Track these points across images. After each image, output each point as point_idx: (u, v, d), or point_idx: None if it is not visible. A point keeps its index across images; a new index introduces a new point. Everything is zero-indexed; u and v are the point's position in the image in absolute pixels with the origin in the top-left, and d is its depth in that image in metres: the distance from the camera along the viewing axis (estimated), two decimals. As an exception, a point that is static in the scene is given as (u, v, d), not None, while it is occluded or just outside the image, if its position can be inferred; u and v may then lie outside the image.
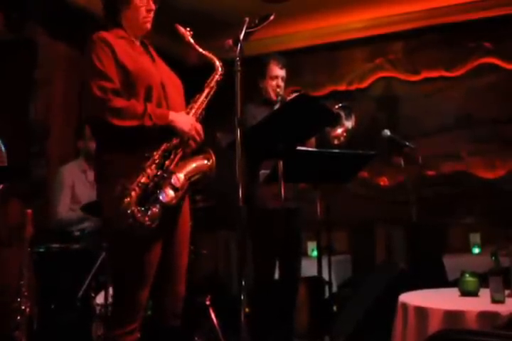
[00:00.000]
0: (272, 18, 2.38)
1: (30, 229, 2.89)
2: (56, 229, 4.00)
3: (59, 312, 3.44)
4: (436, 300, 2.72)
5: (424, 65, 5.68)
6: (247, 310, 2.26)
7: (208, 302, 3.80)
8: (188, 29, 2.46)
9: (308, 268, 3.97)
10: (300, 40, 5.91)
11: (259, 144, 2.75)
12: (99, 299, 3.41)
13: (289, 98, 3.32)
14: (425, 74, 5.67)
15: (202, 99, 2.40)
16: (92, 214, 3.70)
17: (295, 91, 3.55)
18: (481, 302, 2.59)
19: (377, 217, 5.47)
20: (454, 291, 2.84)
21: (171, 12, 2.64)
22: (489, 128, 5.36)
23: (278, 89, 3.54)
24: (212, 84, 2.44)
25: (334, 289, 4.55)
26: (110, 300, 3.31)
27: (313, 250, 5.03)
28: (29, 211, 2.85)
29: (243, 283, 2.24)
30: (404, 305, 2.71)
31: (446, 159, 5.50)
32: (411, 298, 2.77)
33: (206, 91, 2.42)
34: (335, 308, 4.18)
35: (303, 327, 4.24)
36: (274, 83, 3.55)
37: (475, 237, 4.89)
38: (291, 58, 5.75)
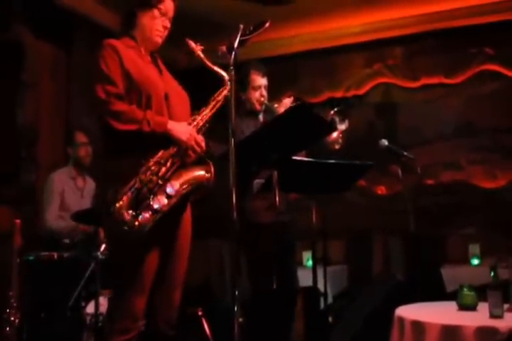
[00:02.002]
0: (267, 25, 2.33)
1: (18, 239, 2.83)
2: (46, 236, 3.96)
3: (49, 322, 3.39)
4: (434, 313, 2.65)
5: (424, 71, 5.63)
6: (240, 319, 2.21)
7: (200, 313, 3.75)
8: (199, 44, 2.46)
9: (303, 278, 3.89)
10: (297, 45, 5.85)
11: (253, 154, 2.69)
12: (90, 309, 3.36)
13: (280, 106, 3.26)
14: (424, 81, 5.63)
15: (206, 112, 2.41)
16: (83, 222, 3.66)
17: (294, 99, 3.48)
18: (479, 317, 2.52)
19: (375, 227, 5.41)
20: (452, 305, 2.76)
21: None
22: (490, 137, 5.33)
23: (262, 99, 3.41)
24: (220, 98, 2.44)
25: (330, 300, 4.49)
26: (100, 310, 3.29)
27: (308, 260, 4.96)
28: (17, 221, 2.79)
29: (236, 293, 2.19)
30: (401, 319, 2.64)
31: (445, 168, 5.46)
32: (408, 312, 2.70)
33: (212, 104, 2.43)
34: (330, 319, 4.12)
35: (299, 337, 4.18)
36: (257, 94, 3.41)
37: (474, 248, 4.82)
38: (287, 63, 5.77)
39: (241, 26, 2.33)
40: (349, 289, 5.06)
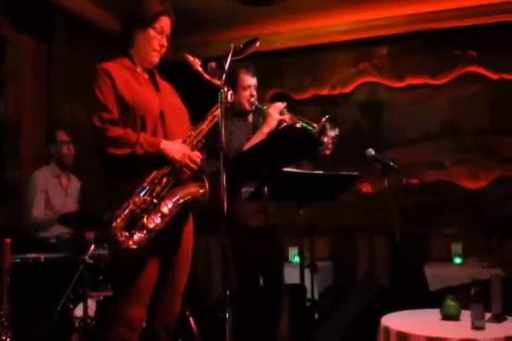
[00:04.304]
0: (257, 44, 2.32)
1: (9, 258, 2.81)
2: (32, 235, 3.96)
3: (36, 325, 3.39)
4: (418, 324, 2.70)
5: (409, 71, 5.66)
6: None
7: (187, 313, 3.79)
8: (197, 58, 2.45)
9: (289, 275, 3.92)
10: (283, 41, 5.80)
11: (244, 171, 2.71)
12: (78, 312, 3.38)
13: (270, 107, 3.25)
14: (410, 81, 5.66)
15: (202, 128, 2.45)
16: (69, 226, 3.66)
17: (276, 96, 3.48)
18: (462, 328, 2.58)
19: (359, 224, 5.46)
20: (436, 313, 2.82)
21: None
22: (473, 138, 5.40)
23: (252, 99, 3.38)
24: (217, 113, 2.45)
25: (315, 296, 4.55)
26: (89, 312, 3.31)
27: (294, 256, 5.01)
28: (7, 240, 2.77)
29: (227, 292, 2.25)
30: (387, 329, 2.69)
31: (429, 168, 5.52)
32: (393, 322, 2.74)
33: (208, 119, 2.46)
34: (316, 316, 4.18)
35: (284, 335, 4.23)
36: (247, 93, 3.38)
37: (457, 247, 4.91)
38: (273, 59, 5.74)
39: (232, 46, 2.32)
40: (334, 286, 5.13)
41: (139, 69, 2.51)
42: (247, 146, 3.18)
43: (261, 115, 3.36)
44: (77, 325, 3.37)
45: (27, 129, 4.68)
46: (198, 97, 2.68)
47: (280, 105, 3.25)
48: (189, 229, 2.55)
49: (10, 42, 4.55)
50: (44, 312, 3.40)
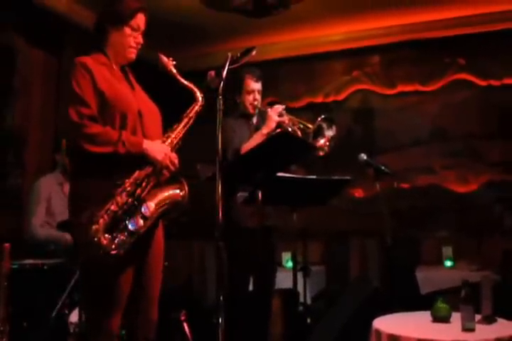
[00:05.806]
0: (253, 52, 2.36)
1: (7, 263, 2.82)
2: (30, 242, 3.98)
3: (32, 331, 3.40)
4: (409, 326, 2.73)
5: (401, 78, 5.76)
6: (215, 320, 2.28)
7: (182, 318, 3.79)
8: (171, 58, 2.47)
9: (282, 279, 3.95)
10: (278, 51, 5.91)
11: (239, 175, 2.75)
12: (73, 317, 3.39)
13: (271, 110, 3.30)
14: (401, 88, 5.76)
15: (179, 129, 2.42)
16: (67, 231, 3.68)
17: (271, 103, 3.54)
18: (453, 330, 2.61)
19: (352, 228, 5.51)
20: (427, 315, 2.85)
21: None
22: (462, 143, 5.47)
23: (255, 103, 3.50)
24: (192, 114, 2.45)
25: (308, 301, 4.58)
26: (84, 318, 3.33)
27: (287, 261, 5.04)
28: (7, 245, 2.79)
29: (221, 298, 2.27)
30: (378, 332, 2.72)
31: (419, 172, 5.60)
32: (384, 324, 2.77)
33: (184, 121, 2.44)
34: (309, 320, 4.20)
35: (277, 339, 4.25)
36: (250, 97, 3.49)
37: (447, 250, 4.94)
38: (269, 69, 5.80)
39: (229, 54, 2.36)
40: (327, 290, 5.16)
41: (114, 66, 2.44)
42: (244, 145, 3.26)
43: (263, 118, 3.43)
44: (71, 330, 3.36)
45: (33, 139, 4.74)
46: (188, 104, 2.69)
47: (279, 107, 3.33)
48: (159, 232, 2.45)
49: (21, 55, 4.64)
50: (40, 317, 3.40)
